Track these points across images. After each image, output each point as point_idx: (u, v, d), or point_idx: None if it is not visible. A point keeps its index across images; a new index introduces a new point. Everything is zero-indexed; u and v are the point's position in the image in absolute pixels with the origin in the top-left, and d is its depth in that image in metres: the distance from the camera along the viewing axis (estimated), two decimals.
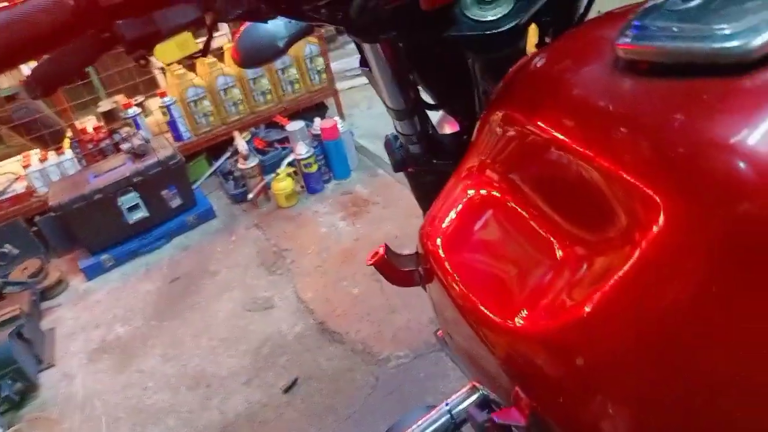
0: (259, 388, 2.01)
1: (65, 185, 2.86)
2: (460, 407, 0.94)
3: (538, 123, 0.48)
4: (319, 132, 3.01)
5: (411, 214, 2.65)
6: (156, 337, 2.39)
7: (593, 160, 0.40)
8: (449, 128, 1.15)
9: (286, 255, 2.65)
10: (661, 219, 0.35)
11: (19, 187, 3.01)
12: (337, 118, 3.21)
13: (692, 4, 0.40)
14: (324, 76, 3.46)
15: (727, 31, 0.35)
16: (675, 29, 0.38)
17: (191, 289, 2.61)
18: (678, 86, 0.38)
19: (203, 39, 0.65)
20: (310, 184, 3.00)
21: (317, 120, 3.11)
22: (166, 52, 0.57)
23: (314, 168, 2.96)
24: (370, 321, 2.15)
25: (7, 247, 2.82)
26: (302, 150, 2.91)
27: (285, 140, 3.18)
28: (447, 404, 0.95)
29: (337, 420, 1.82)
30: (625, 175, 0.38)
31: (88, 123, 3.35)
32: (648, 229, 0.36)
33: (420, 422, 0.95)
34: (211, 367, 2.16)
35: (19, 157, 3.20)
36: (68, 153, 3.08)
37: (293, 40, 0.89)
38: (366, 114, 3.67)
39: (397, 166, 1.05)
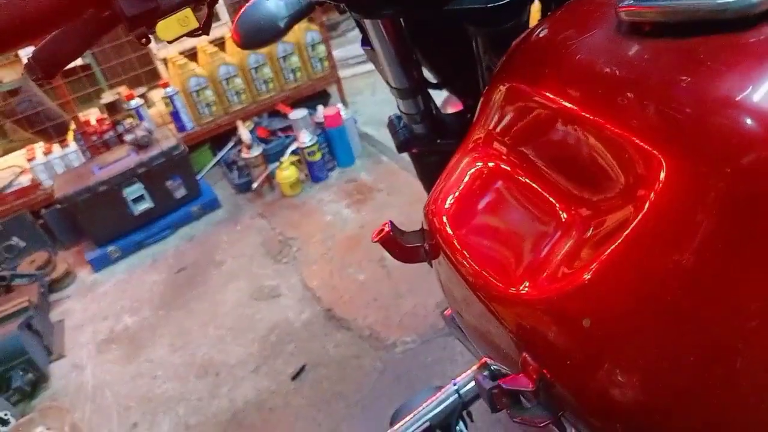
0: (268, 376, 2.02)
1: (70, 177, 2.87)
2: (468, 387, 0.95)
3: (543, 92, 0.47)
4: (322, 120, 3.00)
5: (415, 200, 2.65)
6: (164, 327, 2.40)
7: (599, 125, 0.40)
8: (453, 109, 1.14)
9: (291, 243, 2.65)
10: (667, 179, 0.35)
11: (25, 180, 3.02)
12: (340, 105, 3.20)
13: None
14: (326, 63, 3.45)
15: None
16: None
17: (197, 279, 2.61)
18: (681, 46, 0.37)
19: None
20: (314, 172, 3.00)
21: (320, 108, 3.10)
22: (167, 29, 0.57)
23: (318, 156, 2.95)
24: (377, 307, 2.15)
25: (14, 240, 2.83)
26: (305, 138, 2.91)
27: (288, 129, 3.17)
28: (455, 384, 0.95)
29: (345, 406, 1.83)
30: (631, 138, 0.37)
31: (92, 115, 3.36)
32: (654, 189, 0.35)
33: (428, 402, 0.95)
34: (220, 356, 2.17)
35: (23, 150, 3.21)
36: (72, 145, 3.08)
37: (294, 19, 0.88)
38: (369, 101, 3.66)
39: (401, 147, 1.04)
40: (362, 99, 3.71)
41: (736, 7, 0.34)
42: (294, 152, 3.02)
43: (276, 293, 2.39)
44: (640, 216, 0.35)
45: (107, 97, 3.23)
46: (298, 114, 3.02)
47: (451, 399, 0.93)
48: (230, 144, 3.33)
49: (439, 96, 1.04)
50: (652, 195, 0.35)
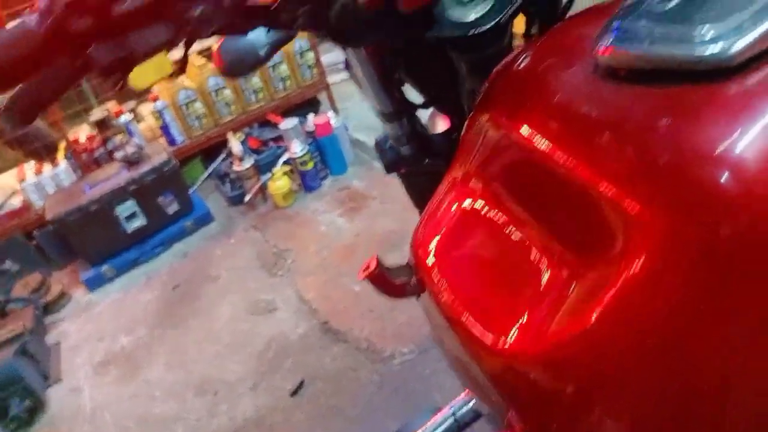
0: (266, 392, 2.01)
1: (61, 197, 2.85)
2: (464, 410, 0.94)
3: (521, 131, 0.46)
4: (313, 128, 2.99)
5: (408, 207, 2.63)
6: (160, 345, 2.38)
7: (575, 171, 0.39)
8: (441, 122, 1.13)
9: (286, 255, 2.64)
10: (644, 230, 0.34)
11: (16, 202, 3.00)
12: (330, 112, 3.19)
13: (671, 4, 0.39)
14: (315, 70, 3.43)
15: (706, 36, 0.33)
16: (654, 33, 0.36)
17: (193, 296, 2.60)
18: (659, 93, 0.36)
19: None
20: (306, 181, 2.99)
21: (310, 116, 3.09)
22: (141, 77, 0.56)
23: (310, 165, 2.94)
24: (373, 318, 2.14)
25: (8, 264, 2.81)
26: (297, 148, 2.89)
27: (279, 138, 3.16)
28: (451, 407, 0.95)
29: (344, 420, 1.82)
30: (606, 187, 0.36)
31: (81, 132, 3.33)
32: (632, 242, 0.35)
33: (425, 426, 0.94)
34: (217, 373, 2.16)
35: (13, 171, 3.19)
36: (63, 164, 3.06)
37: (275, 47, 0.88)
38: (359, 106, 3.64)
39: (389, 168, 1.04)
40: (352, 104, 3.69)
41: (712, 60, 0.33)
42: (286, 162, 3.01)
43: (272, 307, 2.38)
44: (622, 273, 0.35)
45: (96, 114, 3.20)
46: (288, 124, 3.00)
47: (448, 422, 0.92)
48: (222, 156, 3.31)
49: (426, 112, 1.04)
50: (632, 250, 0.34)
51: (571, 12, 0.80)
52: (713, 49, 0.33)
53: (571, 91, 0.44)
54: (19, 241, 2.89)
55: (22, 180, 3.00)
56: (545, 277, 0.42)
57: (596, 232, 0.38)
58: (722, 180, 0.32)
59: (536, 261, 0.43)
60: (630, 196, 0.35)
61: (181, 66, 0.61)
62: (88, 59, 0.54)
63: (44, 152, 3.09)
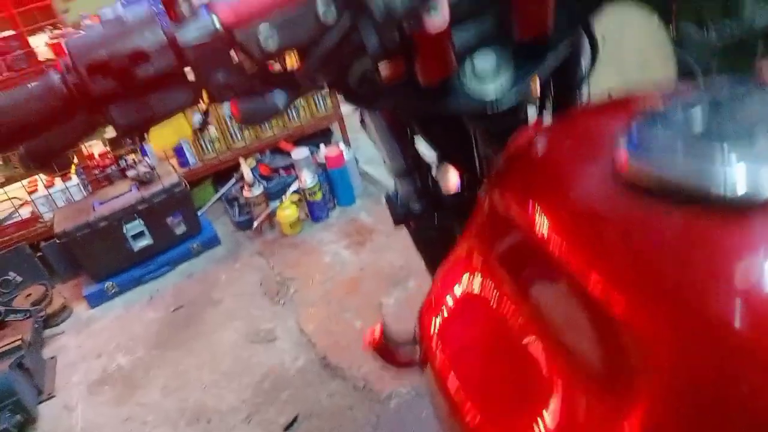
0: (260, 426, 1.99)
1: (70, 212, 2.86)
2: None
3: (534, 225, 0.46)
4: (324, 161, 3.01)
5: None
6: (158, 367, 2.37)
7: (583, 278, 0.38)
8: (453, 175, 1.14)
9: (289, 284, 2.63)
10: (654, 361, 0.34)
11: (25, 213, 3.02)
12: (341, 144, 3.20)
13: (694, 119, 0.39)
14: (329, 102, 3.47)
15: (733, 172, 0.33)
16: (675, 155, 0.36)
17: (195, 318, 2.59)
18: (680, 212, 0.36)
19: None
20: (314, 212, 3.00)
21: (322, 147, 3.11)
22: (161, 137, 0.57)
23: (319, 196, 2.95)
24: (372, 356, 2.12)
25: (11, 275, 2.81)
26: (307, 179, 2.91)
27: (290, 167, 3.18)
28: None
29: None
30: (615, 303, 0.36)
31: (95, 149, 3.36)
32: (642, 370, 0.34)
33: None
34: (212, 401, 2.14)
35: (24, 182, 3.21)
36: (74, 179, 3.08)
37: (292, 99, 0.89)
38: None
39: (398, 221, 1.04)
40: (364, 137, 3.70)
41: (741, 200, 0.33)
42: (295, 192, 3.02)
43: (272, 337, 2.37)
44: (631, 400, 0.34)
45: (111, 131, 3.23)
46: (300, 154, 3.02)
47: None
48: (232, 181, 3.33)
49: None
50: (641, 377, 0.34)
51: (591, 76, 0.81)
52: (739, 188, 0.33)
53: (586, 191, 0.44)
54: (25, 251, 2.90)
55: (32, 192, 3.02)
56: (554, 386, 0.41)
57: (608, 349, 0.37)
58: (740, 320, 0.31)
59: (543, 364, 0.43)
60: (639, 319, 0.34)
61: (202, 127, 0.62)
62: (106, 117, 0.55)
63: (56, 167, 3.12)
